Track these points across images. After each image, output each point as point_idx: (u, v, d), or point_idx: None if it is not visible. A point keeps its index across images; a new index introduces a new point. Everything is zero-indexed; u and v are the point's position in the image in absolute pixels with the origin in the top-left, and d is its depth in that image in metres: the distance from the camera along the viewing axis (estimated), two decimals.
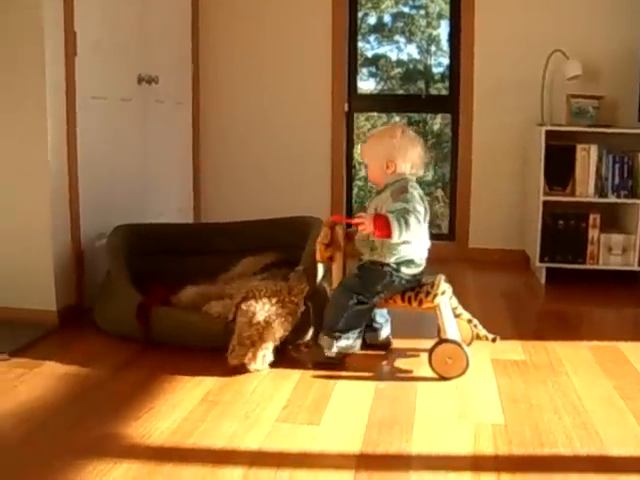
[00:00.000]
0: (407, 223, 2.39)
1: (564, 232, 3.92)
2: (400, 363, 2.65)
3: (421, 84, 5.11)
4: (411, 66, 5.07)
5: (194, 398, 2.29)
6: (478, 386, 2.43)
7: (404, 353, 2.73)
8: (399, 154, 2.55)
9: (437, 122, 5.27)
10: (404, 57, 5.08)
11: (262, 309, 2.52)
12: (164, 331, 2.74)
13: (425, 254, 2.59)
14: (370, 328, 2.70)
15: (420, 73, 5.08)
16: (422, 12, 4.99)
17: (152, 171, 3.92)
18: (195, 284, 2.94)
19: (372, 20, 4.93)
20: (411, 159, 2.57)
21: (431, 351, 2.49)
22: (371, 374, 2.53)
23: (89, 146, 3.24)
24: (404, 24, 5.00)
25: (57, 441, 2.00)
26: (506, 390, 2.38)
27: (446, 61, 4.83)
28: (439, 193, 5.42)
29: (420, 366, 2.59)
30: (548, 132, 3.86)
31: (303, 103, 4.59)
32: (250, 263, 3.19)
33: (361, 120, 5.07)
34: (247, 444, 1.98)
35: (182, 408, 2.21)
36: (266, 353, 2.51)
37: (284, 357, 2.60)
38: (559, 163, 3.91)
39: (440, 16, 4.94)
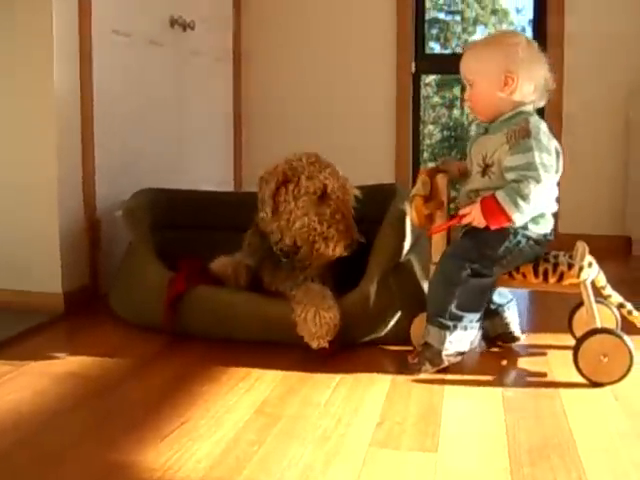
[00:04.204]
0: (525, 197, 1.70)
1: None
2: (525, 363, 1.93)
3: (457, 90, 4.96)
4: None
5: (245, 409, 1.59)
6: None
7: (525, 350, 2.02)
8: (523, 68, 1.81)
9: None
10: None
11: None
12: (202, 319, 2.05)
13: (555, 205, 1.87)
14: (489, 312, 1.95)
15: (456, 80, 4.81)
16: (457, 18, 4.86)
17: (187, 134, 3.26)
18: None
19: None
20: (536, 79, 1.84)
21: (578, 346, 1.75)
22: (488, 377, 1.81)
23: (109, 91, 2.58)
24: (439, 30, 4.84)
25: (40, 468, 1.32)
26: None
27: None
28: None
29: (554, 367, 1.87)
30: None
31: (363, 63, 3.89)
32: None
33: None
34: None
35: (229, 423, 1.51)
36: None
37: (363, 352, 1.92)
38: None
39: (476, 21, 4.86)
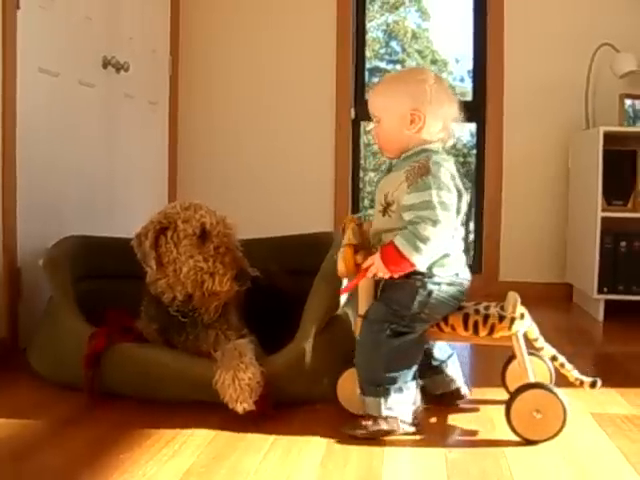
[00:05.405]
0: (424, 240, 1.62)
1: (627, 256, 3.21)
2: (468, 421, 1.83)
3: None
4: None
5: (168, 478, 1.46)
6: (593, 452, 1.62)
7: (467, 406, 1.93)
8: (430, 105, 1.74)
9: None
10: None
11: None
12: (126, 378, 1.91)
13: (461, 244, 1.78)
14: (429, 369, 1.87)
15: None
16: (398, 67, 4.95)
17: (119, 179, 3.14)
18: None
19: None
20: (444, 118, 1.76)
21: (510, 402, 1.67)
22: (430, 438, 1.71)
23: (33, 133, 2.46)
24: (380, 78, 4.75)
25: None
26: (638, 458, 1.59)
27: None
28: None
29: (498, 424, 1.78)
30: (606, 135, 3.14)
31: (303, 108, 3.86)
32: None
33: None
34: None
35: None
36: None
37: (297, 412, 1.81)
38: (617, 172, 3.23)
39: None
